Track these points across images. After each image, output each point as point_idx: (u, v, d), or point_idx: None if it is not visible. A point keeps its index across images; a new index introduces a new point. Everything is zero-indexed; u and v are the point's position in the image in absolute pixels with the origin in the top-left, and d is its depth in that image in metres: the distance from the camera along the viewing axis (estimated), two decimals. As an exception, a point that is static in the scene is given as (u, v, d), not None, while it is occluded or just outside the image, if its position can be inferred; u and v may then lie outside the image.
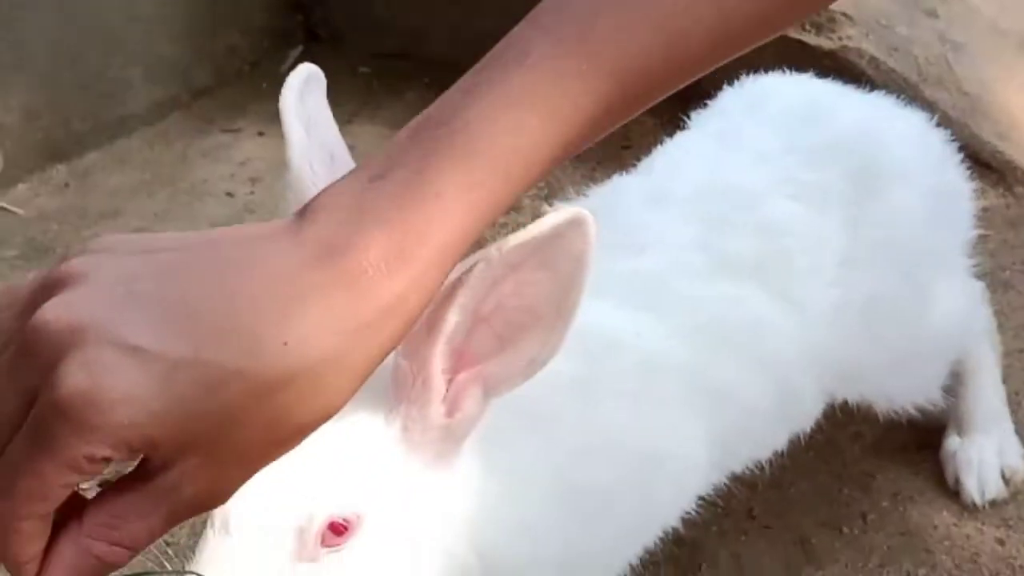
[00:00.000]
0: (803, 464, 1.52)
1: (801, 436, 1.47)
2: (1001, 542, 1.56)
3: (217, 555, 0.97)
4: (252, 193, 2.41)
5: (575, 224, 0.81)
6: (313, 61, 0.99)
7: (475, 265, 0.84)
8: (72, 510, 0.62)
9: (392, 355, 0.79)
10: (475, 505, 1.05)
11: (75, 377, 0.57)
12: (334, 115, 1.02)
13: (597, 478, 1.16)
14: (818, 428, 1.48)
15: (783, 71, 1.55)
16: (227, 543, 0.96)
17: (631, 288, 1.25)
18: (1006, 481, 1.61)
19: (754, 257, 1.31)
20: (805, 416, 1.42)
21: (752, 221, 1.33)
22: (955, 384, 1.59)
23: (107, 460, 0.59)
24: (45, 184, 2.51)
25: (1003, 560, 1.54)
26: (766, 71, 1.54)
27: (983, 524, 1.58)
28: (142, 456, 0.61)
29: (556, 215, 0.81)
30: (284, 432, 0.61)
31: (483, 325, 0.90)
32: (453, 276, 0.83)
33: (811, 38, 2.25)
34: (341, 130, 1.01)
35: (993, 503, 1.59)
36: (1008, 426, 1.66)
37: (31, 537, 0.60)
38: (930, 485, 1.63)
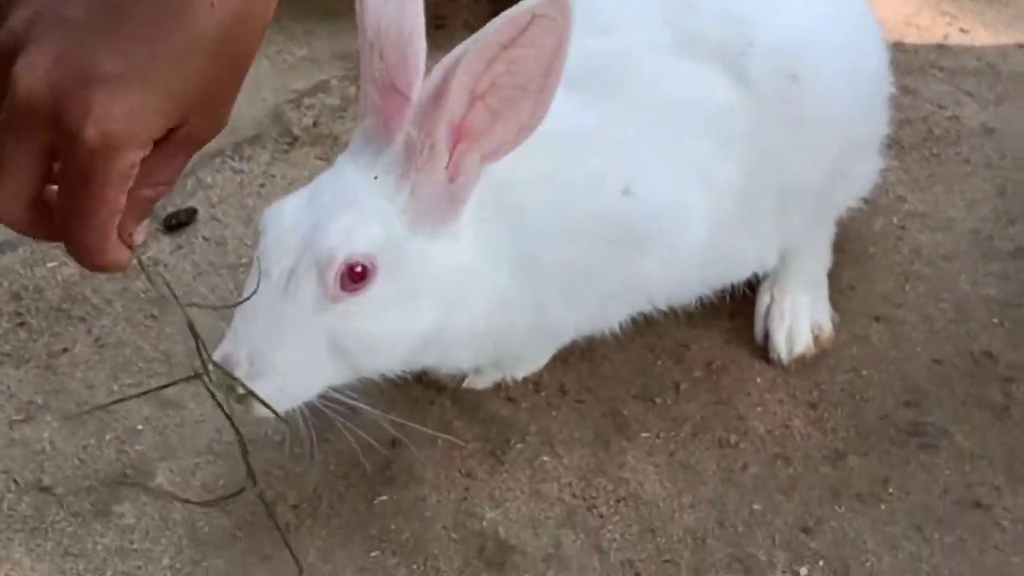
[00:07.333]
0: (617, 337, 1.47)
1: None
2: (812, 406, 1.54)
3: (250, 304, 1.12)
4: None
5: (556, 4, 1.03)
6: None
7: (470, 47, 1.06)
8: None
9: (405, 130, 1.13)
10: (463, 278, 1.23)
11: (88, 132, 0.76)
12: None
13: (567, 257, 1.29)
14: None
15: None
16: (261, 288, 1.13)
17: (598, 67, 1.29)
18: (814, 339, 1.59)
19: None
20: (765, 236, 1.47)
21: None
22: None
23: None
24: None
25: (814, 423, 1.52)
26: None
27: (795, 389, 1.55)
28: None
29: None
30: (239, 68, 0.82)
31: (479, 103, 1.11)
32: (450, 58, 1.08)
33: None
34: None
35: (803, 364, 1.58)
36: (823, 291, 1.64)
37: (112, 232, 0.83)
38: (743, 354, 1.60)
